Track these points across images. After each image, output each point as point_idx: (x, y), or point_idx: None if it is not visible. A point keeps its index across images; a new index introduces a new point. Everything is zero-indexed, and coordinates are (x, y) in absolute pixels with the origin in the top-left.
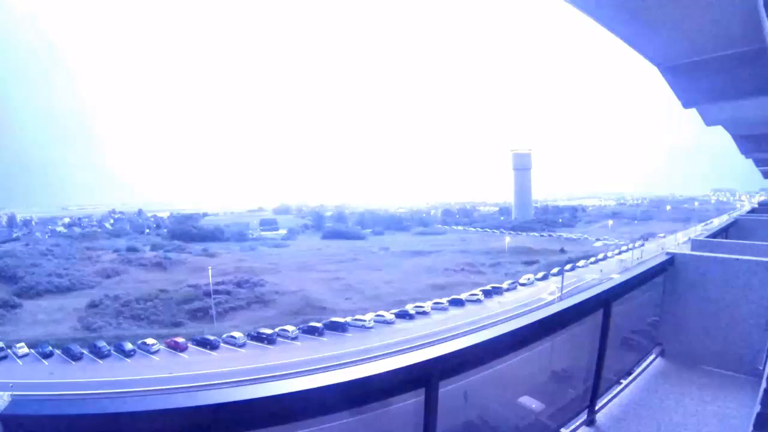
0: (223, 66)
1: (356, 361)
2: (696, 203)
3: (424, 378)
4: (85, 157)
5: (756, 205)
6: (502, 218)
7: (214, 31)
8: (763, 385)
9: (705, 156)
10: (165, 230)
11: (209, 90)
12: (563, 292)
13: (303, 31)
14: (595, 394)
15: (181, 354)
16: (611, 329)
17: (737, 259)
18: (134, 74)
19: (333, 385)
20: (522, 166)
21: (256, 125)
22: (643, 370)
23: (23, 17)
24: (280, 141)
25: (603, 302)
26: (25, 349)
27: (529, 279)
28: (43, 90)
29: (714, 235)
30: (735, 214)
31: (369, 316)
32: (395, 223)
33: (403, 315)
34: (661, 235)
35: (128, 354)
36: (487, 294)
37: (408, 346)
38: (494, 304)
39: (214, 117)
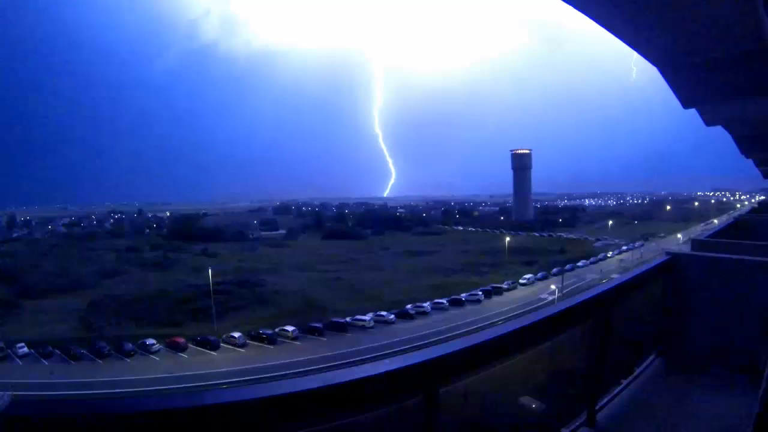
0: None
1: (355, 361)
2: (696, 203)
3: (424, 383)
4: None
5: (756, 205)
6: (502, 218)
7: None
8: (763, 385)
9: (705, 156)
10: (165, 230)
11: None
12: (563, 292)
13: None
14: (595, 394)
15: (181, 353)
16: (611, 329)
17: (737, 259)
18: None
19: (333, 385)
20: (522, 166)
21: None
22: (643, 370)
23: None
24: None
25: (603, 303)
26: (25, 349)
27: (528, 279)
28: None
29: (714, 235)
30: (735, 214)
31: (369, 316)
32: (395, 223)
33: (403, 315)
34: (662, 235)
35: (128, 353)
36: (487, 294)
37: (407, 346)
38: (494, 303)
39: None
